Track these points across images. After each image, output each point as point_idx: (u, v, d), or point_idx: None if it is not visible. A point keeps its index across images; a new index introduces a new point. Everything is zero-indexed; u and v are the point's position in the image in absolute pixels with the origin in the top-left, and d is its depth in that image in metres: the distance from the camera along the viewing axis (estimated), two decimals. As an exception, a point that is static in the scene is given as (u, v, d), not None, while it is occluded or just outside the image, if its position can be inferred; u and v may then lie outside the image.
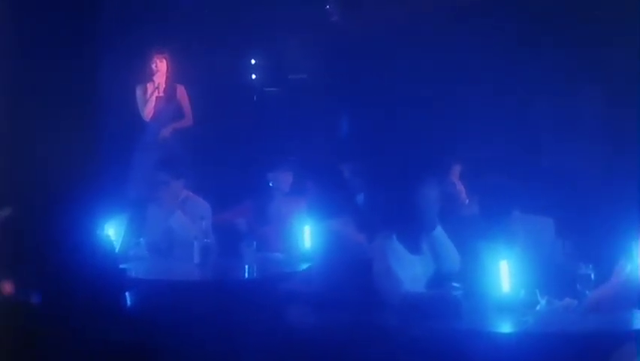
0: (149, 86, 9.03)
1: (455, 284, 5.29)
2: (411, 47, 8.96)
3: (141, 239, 6.91)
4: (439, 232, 5.44)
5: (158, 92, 8.98)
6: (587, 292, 5.19)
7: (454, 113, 8.36)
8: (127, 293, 5.86)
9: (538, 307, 4.93)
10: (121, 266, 6.00)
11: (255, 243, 6.58)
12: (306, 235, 6.90)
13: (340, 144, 9.10)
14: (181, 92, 9.10)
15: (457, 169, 6.46)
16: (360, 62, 9.23)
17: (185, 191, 7.29)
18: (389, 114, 8.72)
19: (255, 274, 6.43)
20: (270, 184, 7.67)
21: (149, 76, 9.05)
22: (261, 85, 10.38)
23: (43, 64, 5.53)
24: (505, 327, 4.94)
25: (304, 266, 6.54)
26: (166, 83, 9.03)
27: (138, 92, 9.08)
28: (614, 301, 4.73)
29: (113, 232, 6.83)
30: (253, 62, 10.34)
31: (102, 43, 9.10)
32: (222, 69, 9.86)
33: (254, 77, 10.36)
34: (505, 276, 5.08)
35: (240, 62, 10.28)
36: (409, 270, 5.33)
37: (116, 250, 6.40)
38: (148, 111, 8.98)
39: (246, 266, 6.46)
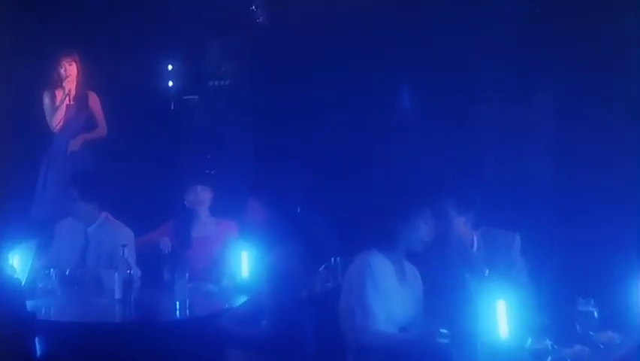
0: (58, 93, 7.87)
1: (443, 330, 4.18)
2: (344, 49, 7.95)
3: (51, 270, 5.68)
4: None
5: (69, 100, 7.80)
6: (591, 333, 4.20)
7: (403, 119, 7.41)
8: (35, 338, 4.68)
9: (549, 359, 3.86)
10: (27, 304, 4.78)
11: (187, 274, 5.40)
12: (244, 263, 5.81)
13: (276, 155, 7.96)
14: (93, 99, 7.95)
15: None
16: (290, 67, 8.17)
17: (105, 213, 6.09)
18: (326, 123, 7.69)
19: (189, 312, 5.23)
20: (186, 203, 6.45)
21: (57, 82, 7.88)
22: (180, 92, 9.30)
23: None
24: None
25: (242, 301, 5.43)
26: (76, 89, 7.85)
27: (46, 99, 7.91)
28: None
29: (17, 261, 5.59)
30: (170, 67, 9.27)
31: (3, 45, 8.08)
32: (137, 75, 8.75)
33: (171, 83, 9.29)
34: (504, 319, 4.02)
35: (156, 67, 9.23)
36: (390, 303, 4.32)
37: (21, 282, 5.23)
38: (57, 121, 7.79)
39: (178, 302, 5.27)
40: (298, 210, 4.96)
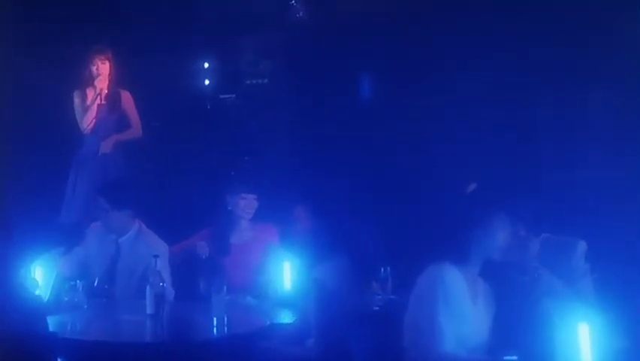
0: (89, 92, 7.39)
1: (510, 358, 3.66)
2: (391, 46, 7.45)
3: (78, 281, 5.18)
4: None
5: (100, 99, 7.32)
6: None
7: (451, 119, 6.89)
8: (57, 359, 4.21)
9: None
10: (49, 320, 4.31)
11: (225, 287, 4.90)
12: (286, 274, 5.34)
13: (320, 158, 7.45)
14: (126, 98, 7.49)
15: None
16: (334, 64, 7.69)
17: (138, 221, 5.60)
18: (375, 122, 7.20)
19: (227, 330, 4.73)
20: (231, 208, 5.97)
21: (88, 80, 7.40)
22: (216, 91, 8.84)
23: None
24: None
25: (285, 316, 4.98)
26: (109, 88, 7.38)
27: (76, 99, 7.43)
28: None
29: (40, 272, 5.12)
30: (206, 65, 8.83)
31: (32, 42, 7.69)
32: (172, 73, 8.35)
33: (207, 82, 8.83)
34: (587, 347, 3.48)
35: (192, 64, 8.78)
36: (462, 323, 3.84)
37: (42, 298, 4.76)
38: (87, 121, 7.33)
39: (215, 318, 4.77)
40: (348, 217, 4.42)
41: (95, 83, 7.34)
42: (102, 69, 7.36)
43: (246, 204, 5.96)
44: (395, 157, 7.11)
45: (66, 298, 5.13)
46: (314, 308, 4.41)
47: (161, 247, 5.53)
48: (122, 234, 5.64)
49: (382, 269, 5.13)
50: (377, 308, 4.87)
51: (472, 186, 5.22)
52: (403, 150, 7.08)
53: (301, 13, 8.32)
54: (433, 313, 3.80)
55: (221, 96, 8.80)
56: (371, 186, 6.54)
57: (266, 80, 8.67)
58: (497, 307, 3.98)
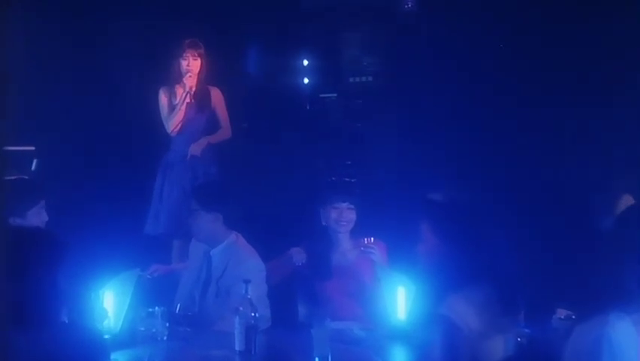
0: (178, 90, 6.67)
1: None
2: (513, 35, 6.67)
3: (156, 308, 4.41)
4: None
5: (189, 98, 6.59)
6: None
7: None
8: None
9: None
10: (121, 355, 3.53)
11: (328, 318, 4.07)
12: (400, 299, 4.54)
13: (433, 165, 6.61)
14: (216, 96, 6.76)
15: None
16: (447, 60, 6.96)
17: (235, 233, 4.90)
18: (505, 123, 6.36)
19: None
20: (324, 222, 5.20)
21: (177, 78, 6.69)
22: (316, 90, 8.18)
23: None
24: None
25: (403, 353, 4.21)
26: (198, 85, 6.66)
27: (163, 98, 6.71)
28: None
29: (111, 298, 4.35)
30: (306, 62, 8.17)
31: (119, 37, 7.11)
32: (267, 71, 7.89)
33: (307, 80, 8.19)
34: None
35: (289, 62, 8.11)
36: None
37: (113, 330, 4.01)
38: (175, 122, 6.63)
39: (317, 358, 3.95)
40: (488, 241, 3.51)
41: (185, 80, 6.64)
42: (193, 66, 6.67)
43: (338, 214, 5.13)
44: (537, 167, 6.17)
45: (142, 328, 4.37)
46: (440, 350, 3.53)
47: (255, 267, 4.73)
48: (214, 244, 4.89)
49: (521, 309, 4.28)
50: (511, 347, 4.00)
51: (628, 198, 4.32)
52: (547, 158, 6.13)
53: (410, 4, 7.54)
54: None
55: (322, 95, 8.17)
56: (511, 202, 5.63)
57: (370, 78, 7.99)
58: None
